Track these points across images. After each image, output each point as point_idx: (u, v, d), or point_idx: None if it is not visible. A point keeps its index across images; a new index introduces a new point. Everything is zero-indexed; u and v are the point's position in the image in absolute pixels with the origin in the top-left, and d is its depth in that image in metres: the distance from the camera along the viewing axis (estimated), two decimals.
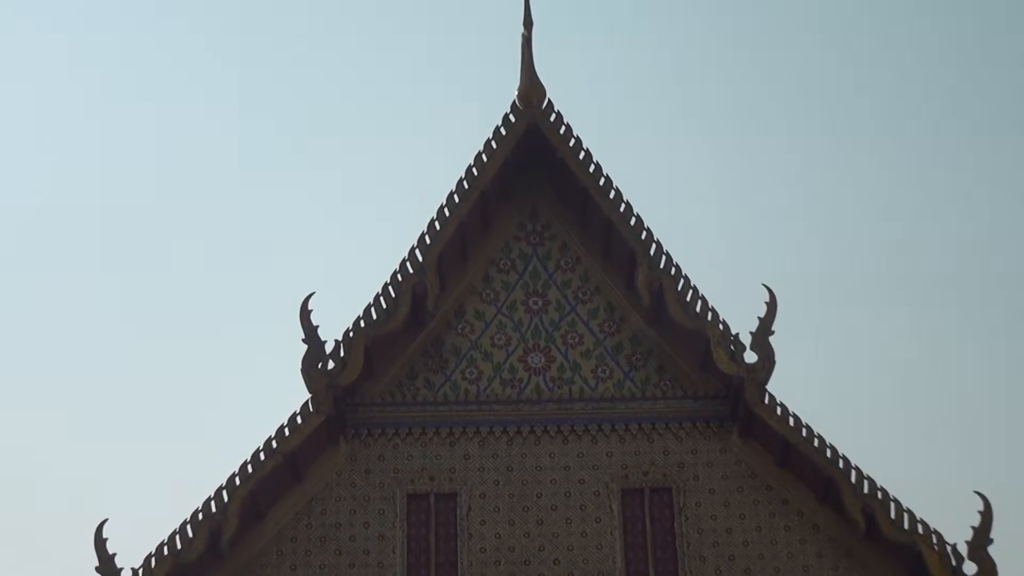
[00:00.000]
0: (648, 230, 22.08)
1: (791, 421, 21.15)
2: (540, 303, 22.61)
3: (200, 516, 20.72)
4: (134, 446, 35.94)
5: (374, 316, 21.65)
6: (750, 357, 21.49)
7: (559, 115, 22.64)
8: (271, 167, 40.64)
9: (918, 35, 41.36)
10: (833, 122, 40.43)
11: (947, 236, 39.15)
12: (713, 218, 38.35)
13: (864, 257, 38.85)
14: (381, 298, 21.80)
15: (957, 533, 20.67)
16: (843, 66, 40.81)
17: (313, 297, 21.63)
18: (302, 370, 21.34)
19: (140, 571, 20.41)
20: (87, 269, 39.09)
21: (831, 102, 40.60)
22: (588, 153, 22.44)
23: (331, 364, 21.42)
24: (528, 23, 23.15)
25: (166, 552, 20.52)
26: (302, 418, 21.22)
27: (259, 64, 41.54)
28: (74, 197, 39.93)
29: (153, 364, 37.15)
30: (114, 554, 20.64)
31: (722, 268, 32.82)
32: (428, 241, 22.01)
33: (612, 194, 22.23)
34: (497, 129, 22.56)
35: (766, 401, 21.29)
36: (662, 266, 21.87)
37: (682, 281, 21.86)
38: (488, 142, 22.50)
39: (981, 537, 20.40)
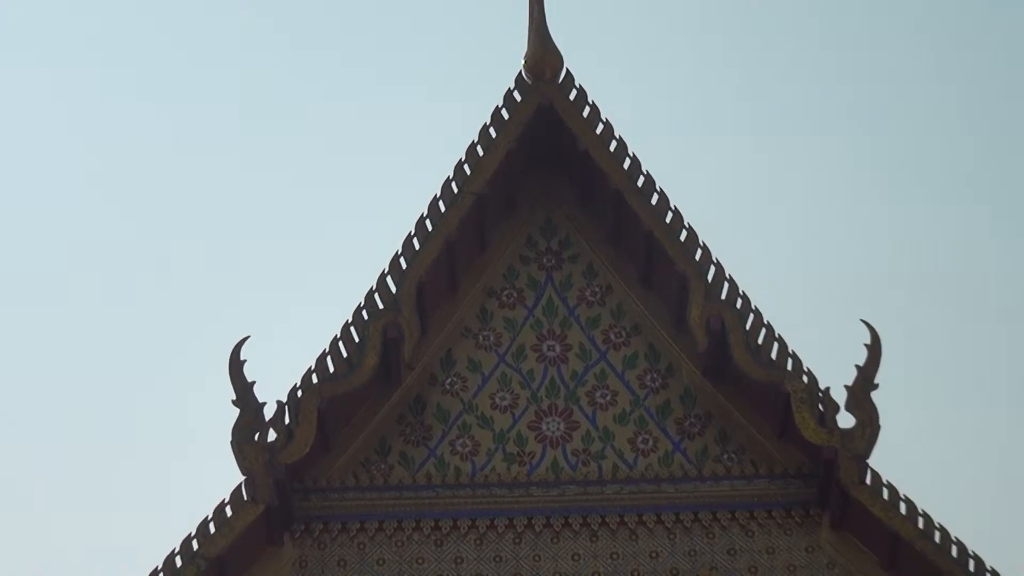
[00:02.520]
0: (704, 248, 19.68)
1: (903, 507, 18.75)
2: (558, 348, 20.45)
3: None
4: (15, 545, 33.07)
5: (331, 368, 19.47)
6: (846, 420, 19.17)
7: (581, 91, 20.30)
8: (206, 148, 37.64)
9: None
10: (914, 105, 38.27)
11: None
12: (792, 233, 36.04)
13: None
14: (340, 344, 19.61)
15: None
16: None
17: (248, 343, 19.44)
18: (232, 443, 19.11)
19: None
20: None
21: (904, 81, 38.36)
22: (622, 143, 20.06)
23: (272, 434, 19.20)
24: None
25: None
26: (233, 509, 18.91)
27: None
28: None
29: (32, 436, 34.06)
30: None
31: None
32: (404, 265, 19.78)
33: (655, 199, 19.91)
34: (497, 111, 20.33)
35: (868, 480, 18.92)
36: (724, 297, 19.59)
37: (752, 317, 19.48)
38: (485, 128, 20.26)
39: None
